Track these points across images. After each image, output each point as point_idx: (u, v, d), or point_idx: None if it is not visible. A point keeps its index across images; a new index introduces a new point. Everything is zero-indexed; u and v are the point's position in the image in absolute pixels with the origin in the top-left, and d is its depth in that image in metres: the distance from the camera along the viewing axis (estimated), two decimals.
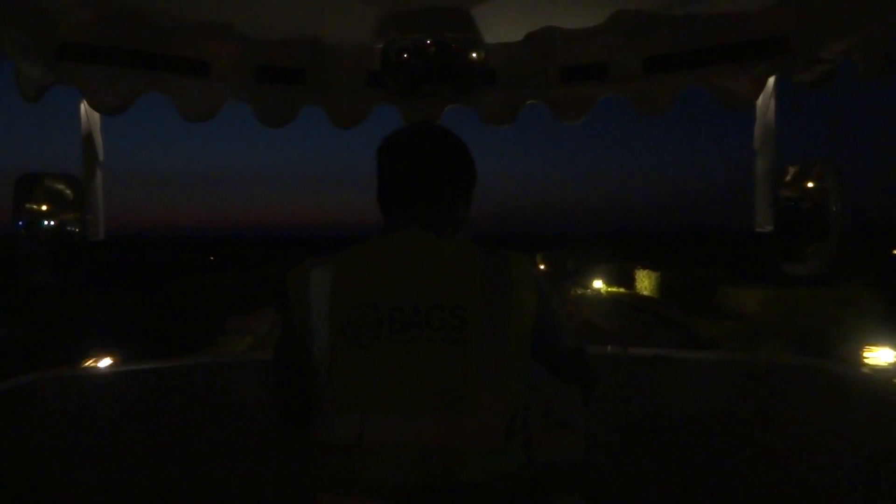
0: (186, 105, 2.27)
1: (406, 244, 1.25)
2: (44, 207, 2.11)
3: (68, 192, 2.13)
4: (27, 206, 2.07)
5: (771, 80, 2.19)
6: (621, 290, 26.54)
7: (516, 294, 1.20)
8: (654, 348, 2.31)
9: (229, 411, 2.11)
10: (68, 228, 2.15)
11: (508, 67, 2.37)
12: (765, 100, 2.23)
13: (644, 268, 26.24)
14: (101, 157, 2.31)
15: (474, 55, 2.16)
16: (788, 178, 2.18)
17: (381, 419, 1.10)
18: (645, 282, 25.31)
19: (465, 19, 2.11)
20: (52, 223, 2.13)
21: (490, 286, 1.18)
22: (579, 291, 26.06)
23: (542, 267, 36.49)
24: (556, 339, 1.35)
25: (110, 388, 2.10)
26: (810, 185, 2.13)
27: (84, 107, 2.24)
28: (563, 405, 1.41)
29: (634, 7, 2.08)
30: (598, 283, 26.60)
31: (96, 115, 2.28)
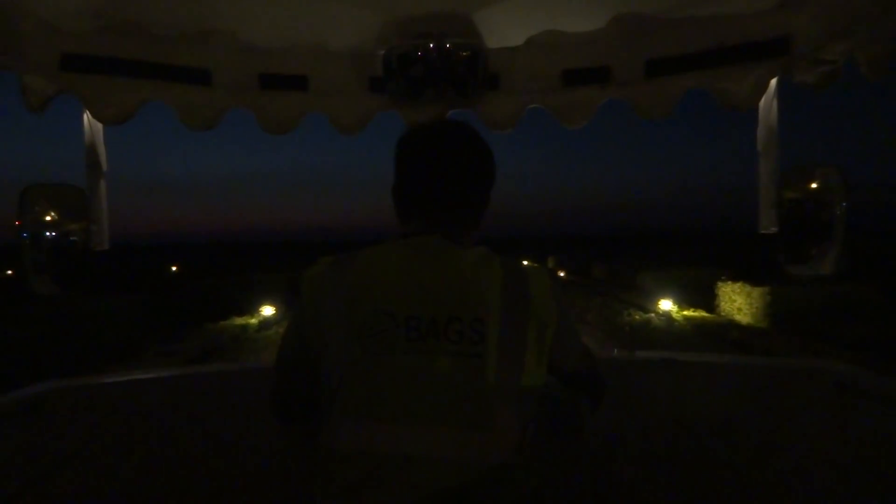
0: (189, 114, 2.28)
1: (427, 252, 1.22)
2: (48, 218, 2.11)
3: (72, 202, 2.14)
4: (32, 216, 2.07)
5: (773, 82, 2.18)
6: (702, 313, 16.30)
7: (535, 310, 1.18)
8: (661, 350, 2.31)
9: (239, 419, 2.11)
10: (72, 238, 2.16)
11: (510, 72, 2.37)
12: (767, 102, 2.23)
13: (731, 279, 16.02)
14: (104, 166, 2.32)
15: (476, 60, 2.16)
16: (792, 179, 2.18)
17: (394, 429, 1.09)
18: (737, 300, 15.39)
19: (467, 24, 2.11)
20: (56, 233, 2.14)
21: (510, 301, 1.17)
22: (636, 316, 16.36)
23: (561, 274, 31.64)
24: (570, 353, 1.33)
25: (119, 397, 2.10)
26: (814, 186, 2.13)
27: (87, 117, 2.25)
28: (570, 412, 1.41)
29: (636, 10, 2.08)
30: (666, 304, 16.19)
31: (99, 126, 2.29)
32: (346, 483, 1.11)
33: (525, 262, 1.33)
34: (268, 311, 16.53)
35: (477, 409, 1.10)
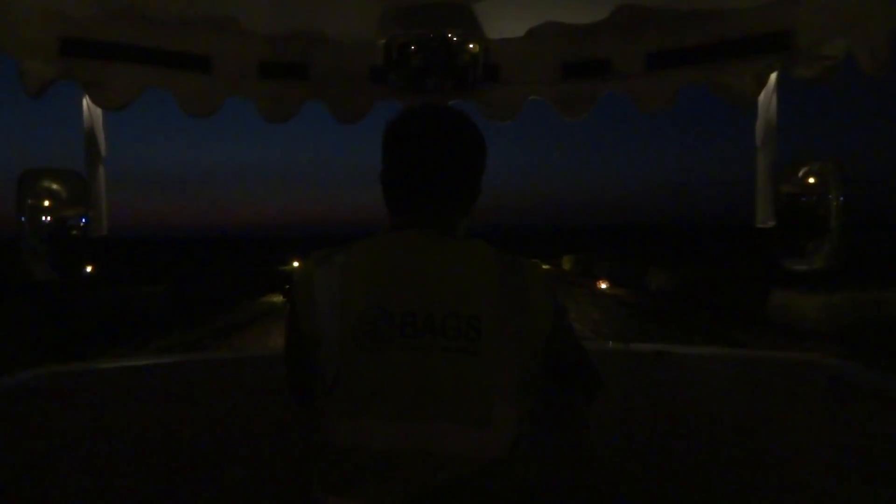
0: (189, 100, 2.28)
1: (421, 247, 1.20)
2: (46, 203, 2.11)
3: (71, 188, 2.13)
4: (30, 201, 2.07)
5: (773, 77, 2.19)
6: None
7: (531, 306, 1.17)
8: (655, 344, 2.32)
9: (237, 408, 2.12)
10: (71, 224, 2.15)
11: (510, 63, 2.37)
12: (766, 96, 2.23)
13: None
14: (103, 152, 2.32)
15: (476, 51, 2.16)
16: (790, 173, 2.18)
17: (390, 426, 1.08)
18: None
19: (468, 15, 2.11)
20: (54, 219, 2.13)
21: (506, 297, 1.15)
22: None
23: (603, 286, 21.07)
24: (566, 348, 1.31)
25: (117, 383, 2.11)
26: (811, 180, 2.13)
27: (86, 102, 2.24)
28: (565, 406, 1.41)
29: (636, 3, 2.08)
30: None
31: (99, 111, 2.28)
32: (342, 478, 1.10)
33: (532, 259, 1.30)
34: None
35: (474, 405, 1.09)
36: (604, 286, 21.43)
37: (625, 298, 18.13)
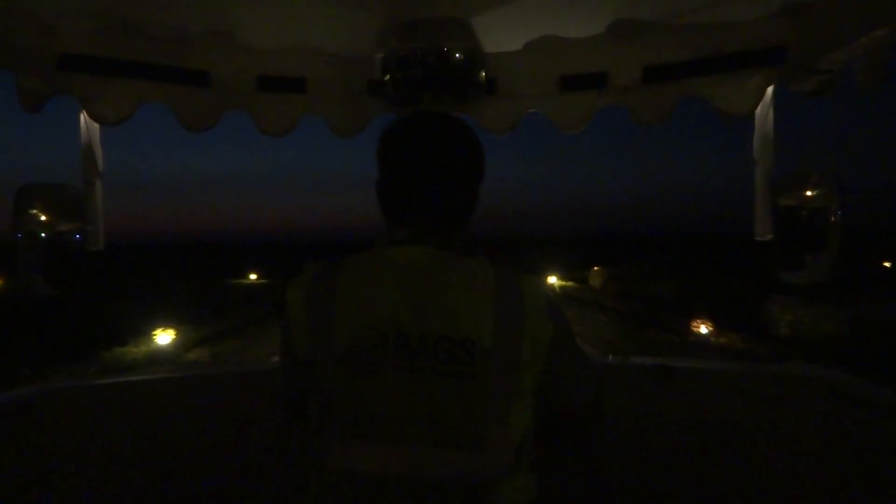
0: (187, 114, 2.27)
1: (418, 264, 1.16)
2: (43, 218, 2.10)
3: (68, 202, 2.13)
4: (27, 216, 2.07)
5: (769, 90, 2.19)
6: None
7: (529, 327, 1.13)
8: (656, 357, 2.31)
9: (233, 422, 2.10)
10: (67, 239, 2.15)
11: (508, 76, 2.38)
12: (763, 109, 2.24)
13: None
14: (100, 167, 2.31)
15: (474, 64, 2.16)
16: (787, 186, 2.18)
17: (383, 449, 1.07)
18: None
19: (465, 28, 2.11)
20: (51, 233, 2.13)
21: (502, 318, 1.11)
22: None
23: (703, 330, 13.92)
24: (564, 378, 1.22)
25: (112, 399, 2.09)
26: (809, 193, 2.13)
27: (84, 117, 2.24)
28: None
29: (634, 16, 2.09)
30: None
31: (96, 126, 2.28)
32: (335, 501, 1.09)
33: (533, 275, 1.23)
34: None
35: (469, 429, 1.07)
36: (705, 330, 14.06)
37: (742, 349, 10.90)
